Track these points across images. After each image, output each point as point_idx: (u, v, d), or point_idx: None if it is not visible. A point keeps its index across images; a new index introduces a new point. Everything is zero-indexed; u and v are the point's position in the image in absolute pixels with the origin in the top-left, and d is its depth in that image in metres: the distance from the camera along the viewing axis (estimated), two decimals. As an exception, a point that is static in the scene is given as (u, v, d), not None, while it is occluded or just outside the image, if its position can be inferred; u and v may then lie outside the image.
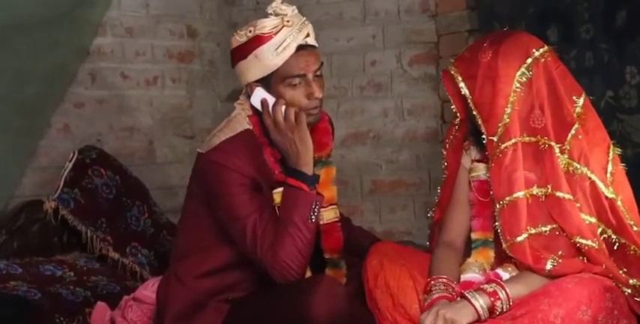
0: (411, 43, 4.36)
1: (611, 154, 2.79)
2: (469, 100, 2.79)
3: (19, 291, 3.21)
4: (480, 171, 2.85)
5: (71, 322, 3.21)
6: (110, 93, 4.16)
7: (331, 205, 2.99)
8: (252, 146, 2.84)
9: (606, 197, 2.73)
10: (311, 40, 2.83)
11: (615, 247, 2.73)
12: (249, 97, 2.86)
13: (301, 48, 2.80)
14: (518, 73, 2.73)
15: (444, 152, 3.00)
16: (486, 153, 2.80)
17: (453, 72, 2.83)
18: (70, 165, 3.71)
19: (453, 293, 2.68)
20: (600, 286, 2.57)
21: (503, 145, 2.72)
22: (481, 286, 2.64)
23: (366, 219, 4.40)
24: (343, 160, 4.40)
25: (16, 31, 3.40)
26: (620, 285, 2.66)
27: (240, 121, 2.88)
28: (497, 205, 2.73)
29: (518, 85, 2.73)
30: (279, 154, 2.85)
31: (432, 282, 2.71)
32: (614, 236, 2.73)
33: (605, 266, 2.66)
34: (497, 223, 2.74)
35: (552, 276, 2.64)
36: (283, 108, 2.80)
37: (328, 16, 4.48)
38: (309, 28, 2.84)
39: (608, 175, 2.76)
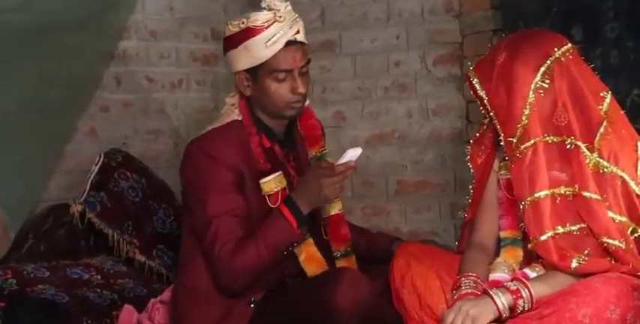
0: (435, 43, 4.34)
1: (639, 151, 2.78)
2: (486, 102, 2.78)
3: (47, 294, 3.23)
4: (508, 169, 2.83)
5: (98, 325, 3.24)
6: (135, 96, 4.17)
7: None
8: (240, 135, 2.90)
9: (637, 195, 2.70)
10: (300, 37, 2.91)
11: (646, 246, 2.71)
12: (237, 86, 2.96)
13: (290, 44, 2.88)
14: (538, 74, 2.71)
15: (469, 150, 2.97)
16: (504, 155, 2.79)
17: (470, 75, 2.82)
18: (96, 168, 3.73)
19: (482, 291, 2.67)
20: (628, 285, 2.55)
21: (522, 146, 2.71)
22: (505, 284, 2.63)
23: (392, 219, 4.40)
24: (368, 160, 4.39)
25: (41, 35, 3.41)
26: (648, 285, 2.65)
27: (229, 114, 2.97)
28: (521, 206, 2.72)
29: (538, 85, 2.71)
30: (268, 143, 2.91)
31: (463, 279, 2.71)
32: (644, 235, 2.71)
33: (632, 266, 2.63)
34: (522, 224, 2.74)
35: (578, 274, 2.62)
36: (359, 152, 2.81)
37: (352, 17, 4.47)
38: (300, 25, 2.92)
39: (638, 172, 2.73)
